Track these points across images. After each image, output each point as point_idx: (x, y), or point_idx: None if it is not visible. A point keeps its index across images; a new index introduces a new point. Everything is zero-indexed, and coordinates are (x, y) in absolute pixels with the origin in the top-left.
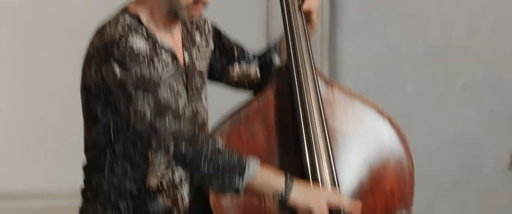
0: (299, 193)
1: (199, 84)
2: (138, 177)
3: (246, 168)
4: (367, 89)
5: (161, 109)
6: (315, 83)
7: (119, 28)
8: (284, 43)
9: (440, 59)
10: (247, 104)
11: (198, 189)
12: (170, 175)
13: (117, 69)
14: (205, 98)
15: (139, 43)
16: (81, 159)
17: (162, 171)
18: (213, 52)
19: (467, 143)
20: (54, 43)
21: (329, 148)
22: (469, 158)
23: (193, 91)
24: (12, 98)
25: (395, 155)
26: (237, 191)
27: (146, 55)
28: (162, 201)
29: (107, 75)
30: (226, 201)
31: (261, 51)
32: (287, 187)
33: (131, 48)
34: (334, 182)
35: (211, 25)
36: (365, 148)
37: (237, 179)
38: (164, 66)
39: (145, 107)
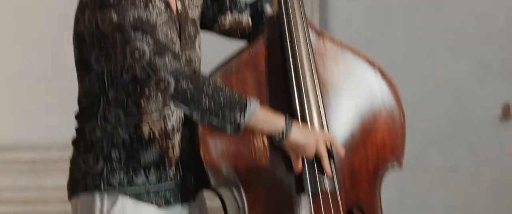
0: (299, 131)
1: (192, 33)
2: (131, 125)
3: (248, 104)
4: (358, 40)
5: (160, 48)
6: (305, 34)
7: None
8: None
9: (431, 9)
10: (238, 55)
11: (190, 140)
12: (163, 124)
13: (113, 14)
14: (199, 46)
15: None
16: (72, 110)
17: (155, 119)
18: (205, 0)
19: (458, 94)
20: None
21: (320, 99)
22: (460, 109)
23: (187, 40)
24: (1, 49)
25: (386, 106)
26: (238, 127)
27: (141, 0)
28: (154, 150)
29: (102, 21)
30: (216, 151)
31: (252, 0)
32: (288, 125)
33: None
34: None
35: None
36: (356, 99)
37: (238, 115)
38: (158, 13)
39: (144, 46)
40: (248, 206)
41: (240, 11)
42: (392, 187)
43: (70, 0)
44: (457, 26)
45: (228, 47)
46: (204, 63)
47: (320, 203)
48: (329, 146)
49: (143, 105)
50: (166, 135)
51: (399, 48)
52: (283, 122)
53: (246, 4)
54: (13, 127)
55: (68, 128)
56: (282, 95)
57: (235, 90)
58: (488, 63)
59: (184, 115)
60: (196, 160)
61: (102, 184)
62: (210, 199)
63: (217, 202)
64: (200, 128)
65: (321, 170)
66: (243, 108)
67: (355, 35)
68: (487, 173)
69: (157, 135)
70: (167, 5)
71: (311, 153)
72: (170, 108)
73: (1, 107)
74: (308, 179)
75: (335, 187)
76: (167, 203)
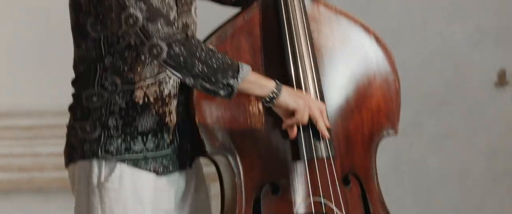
0: (289, 94)
1: None
2: (128, 92)
3: (240, 68)
4: (352, 6)
5: (153, 13)
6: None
7: None
8: None
9: None
10: (232, 20)
11: (186, 106)
12: (159, 89)
13: None
14: (195, 12)
15: None
16: (67, 76)
17: (150, 84)
18: None
19: (454, 60)
20: None
21: (314, 64)
22: (456, 75)
23: (183, 5)
24: None
25: (381, 71)
26: (231, 90)
27: None
28: (151, 117)
29: None
30: (212, 118)
31: None
32: (278, 87)
33: None
34: (320, 97)
35: None
36: (351, 65)
37: (231, 78)
38: None
39: (137, 12)
40: (244, 173)
41: None
42: (387, 154)
43: None
44: None
45: (223, 14)
46: (199, 29)
47: (316, 169)
48: (319, 111)
49: (139, 71)
50: (162, 101)
51: (394, 14)
52: (274, 84)
53: None
54: (7, 93)
55: (63, 94)
56: (277, 61)
57: (228, 55)
58: (484, 29)
59: (180, 80)
60: (192, 126)
61: (99, 151)
62: (206, 166)
63: (213, 169)
64: (195, 94)
65: (317, 136)
66: (236, 71)
67: (350, 1)
68: (482, 139)
69: (153, 101)
70: None
71: (302, 117)
72: (166, 74)
73: None
74: (303, 145)
75: (330, 153)
76: (165, 170)
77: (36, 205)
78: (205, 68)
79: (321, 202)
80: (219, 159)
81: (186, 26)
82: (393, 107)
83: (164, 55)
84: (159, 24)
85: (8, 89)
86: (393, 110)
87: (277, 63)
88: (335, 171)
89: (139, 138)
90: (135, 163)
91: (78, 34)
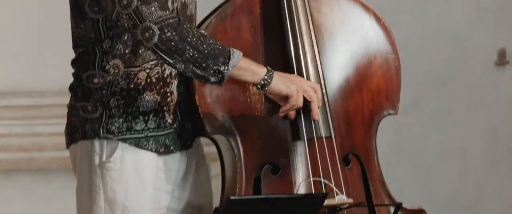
0: (280, 80)
1: None
2: (130, 73)
3: (231, 54)
4: None
5: None
6: None
7: None
8: None
9: None
10: None
11: (186, 85)
12: (160, 69)
13: None
14: None
15: None
16: (67, 55)
17: (152, 65)
18: None
19: (454, 39)
20: None
21: (315, 43)
22: (456, 55)
23: None
24: None
25: (381, 51)
26: (222, 77)
27: None
28: (152, 97)
29: None
30: (212, 97)
31: None
32: (269, 73)
33: None
34: (319, 77)
35: None
36: (351, 44)
37: (221, 64)
38: None
39: None
40: (244, 153)
41: None
42: (387, 132)
43: None
44: None
45: None
46: (199, 8)
47: (316, 149)
48: (314, 91)
49: (141, 53)
50: (163, 81)
51: None
52: (265, 71)
53: None
54: (7, 73)
55: (63, 74)
56: (277, 39)
57: (219, 41)
58: (484, 8)
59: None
60: (192, 106)
61: (101, 131)
62: (206, 145)
63: (213, 148)
64: None
65: None
66: (227, 58)
67: None
68: (482, 118)
69: (155, 81)
70: None
71: (296, 102)
72: None
73: None
74: (303, 124)
75: (330, 133)
76: (167, 149)
77: (36, 185)
78: (196, 54)
79: (321, 182)
80: (219, 138)
81: (185, 5)
82: (393, 87)
83: (156, 39)
84: (153, 7)
85: (8, 69)
86: (393, 90)
87: (277, 42)
88: (336, 151)
89: (141, 117)
90: (137, 143)
91: (77, 14)
